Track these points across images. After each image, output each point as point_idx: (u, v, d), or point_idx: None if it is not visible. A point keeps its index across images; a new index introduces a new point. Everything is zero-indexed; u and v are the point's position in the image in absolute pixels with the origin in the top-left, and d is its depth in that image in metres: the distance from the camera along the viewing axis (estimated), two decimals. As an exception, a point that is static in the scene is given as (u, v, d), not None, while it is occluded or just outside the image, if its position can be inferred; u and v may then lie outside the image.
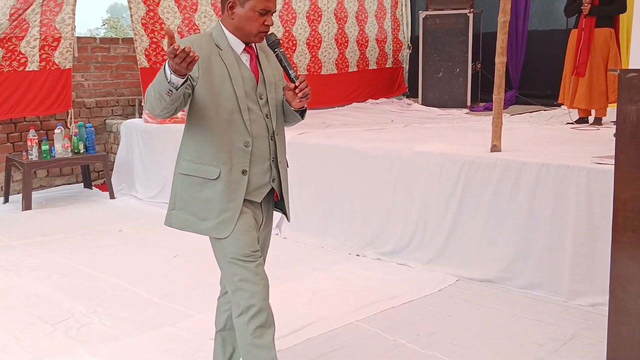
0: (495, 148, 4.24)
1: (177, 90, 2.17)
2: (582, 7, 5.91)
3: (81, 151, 6.53)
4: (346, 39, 8.48)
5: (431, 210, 4.38)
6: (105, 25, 24.21)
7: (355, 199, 4.81)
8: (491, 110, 7.16)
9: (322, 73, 8.19)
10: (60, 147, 6.32)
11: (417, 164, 4.44)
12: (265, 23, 2.36)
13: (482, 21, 7.88)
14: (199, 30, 6.84)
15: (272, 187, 2.52)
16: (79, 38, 7.02)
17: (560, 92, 6.28)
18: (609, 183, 2.29)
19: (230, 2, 2.36)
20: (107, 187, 6.59)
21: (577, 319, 3.50)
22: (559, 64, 6.42)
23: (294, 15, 7.82)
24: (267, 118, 2.45)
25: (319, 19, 8.10)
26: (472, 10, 7.66)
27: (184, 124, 2.46)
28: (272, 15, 2.39)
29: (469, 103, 7.69)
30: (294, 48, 7.85)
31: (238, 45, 2.42)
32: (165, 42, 6.23)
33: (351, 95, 8.46)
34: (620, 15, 6.05)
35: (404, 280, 4.17)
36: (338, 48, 8.40)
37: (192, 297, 3.83)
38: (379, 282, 4.11)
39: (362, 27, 8.67)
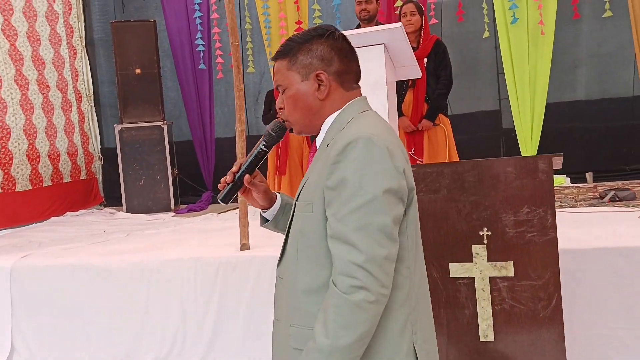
0: (244, 247, 3.81)
1: None
2: (276, 117, 5.94)
3: None
4: (38, 154, 7.21)
5: (190, 316, 3.70)
6: None
7: (101, 317, 3.83)
8: (195, 212, 6.73)
9: (16, 190, 6.76)
10: None
11: (170, 272, 3.74)
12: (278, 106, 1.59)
13: (173, 132, 7.42)
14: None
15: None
16: None
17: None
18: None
19: None
20: None
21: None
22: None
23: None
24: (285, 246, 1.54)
25: (8, 135, 6.73)
26: (164, 122, 7.16)
27: None
28: (283, 93, 1.56)
29: (173, 207, 7.07)
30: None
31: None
32: None
33: (49, 210, 7.12)
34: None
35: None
36: (30, 164, 7.07)
37: None
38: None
39: (52, 142, 7.49)
